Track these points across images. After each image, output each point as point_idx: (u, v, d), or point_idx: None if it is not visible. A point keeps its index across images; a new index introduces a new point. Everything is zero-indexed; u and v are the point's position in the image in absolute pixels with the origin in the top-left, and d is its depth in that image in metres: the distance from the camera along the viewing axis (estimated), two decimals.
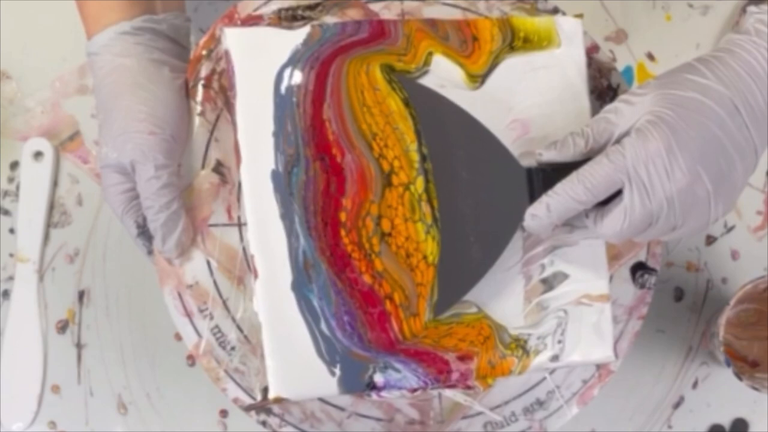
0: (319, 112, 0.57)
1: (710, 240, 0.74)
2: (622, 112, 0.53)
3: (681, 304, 0.73)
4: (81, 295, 0.73)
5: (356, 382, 0.57)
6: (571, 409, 0.62)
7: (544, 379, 0.62)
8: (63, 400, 0.73)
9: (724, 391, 0.72)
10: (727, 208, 0.53)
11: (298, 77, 0.57)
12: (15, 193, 0.74)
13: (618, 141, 0.53)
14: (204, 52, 0.60)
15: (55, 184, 0.74)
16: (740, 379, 0.66)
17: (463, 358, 0.58)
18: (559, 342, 0.59)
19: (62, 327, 0.73)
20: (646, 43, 0.75)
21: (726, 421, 0.73)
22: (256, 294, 0.56)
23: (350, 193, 0.57)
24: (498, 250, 0.57)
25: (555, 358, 0.59)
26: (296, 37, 0.57)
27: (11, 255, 0.73)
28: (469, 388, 0.59)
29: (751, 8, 0.53)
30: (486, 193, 0.56)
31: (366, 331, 0.57)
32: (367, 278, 0.57)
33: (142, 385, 0.73)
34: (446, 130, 0.57)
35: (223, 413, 0.72)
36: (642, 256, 0.63)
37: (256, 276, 0.56)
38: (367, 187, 0.57)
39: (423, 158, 0.57)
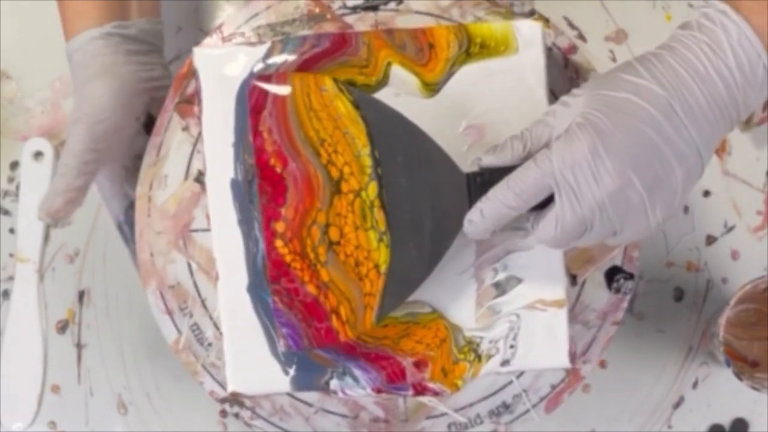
0: (255, 123, 0.57)
1: (710, 240, 0.74)
2: (559, 114, 0.52)
3: (681, 304, 0.73)
4: (81, 295, 0.73)
5: (310, 384, 0.59)
6: (538, 413, 0.62)
7: (511, 382, 0.62)
8: (63, 400, 0.73)
9: (724, 391, 0.72)
10: (667, 212, 0.51)
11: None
12: (15, 193, 0.74)
13: None
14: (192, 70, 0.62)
15: None
16: (740, 379, 0.66)
17: (418, 365, 0.59)
18: (512, 347, 0.59)
19: (62, 327, 0.73)
20: (646, 43, 0.74)
21: (726, 421, 0.73)
22: (218, 294, 0.60)
23: (292, 203, 0.57)
24: (437, 256, 0.57)
25: (506, 362, 0.59)
26: (258, 52, 0.60)
27: (11, 255, 0.74)
28: (437, 394, 0.60)
29: (699, 2, 0.52)
30: (427, 199, 0.56)
31: (313, 345, 0.57)
32: (311, 288, 0.57)
33: (142, 385, 0.73)
34: (388, 135, 0.57)
35: (223, 413, 0.72)
36: (618, 261, 0.63)
37: (217, 278, 0.59)
38: (314, 196, 0.56)
39: (376, 163, 0.56)
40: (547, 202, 0.52)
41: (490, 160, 0.54)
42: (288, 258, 0.57)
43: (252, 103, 0.57)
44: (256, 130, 0.57)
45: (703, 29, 0.50)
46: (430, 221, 0.56)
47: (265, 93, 0.57)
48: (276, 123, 0.57)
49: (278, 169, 0.57)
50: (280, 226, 0.57)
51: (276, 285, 0.57)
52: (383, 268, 0.56)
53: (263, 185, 0.57)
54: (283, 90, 0.57)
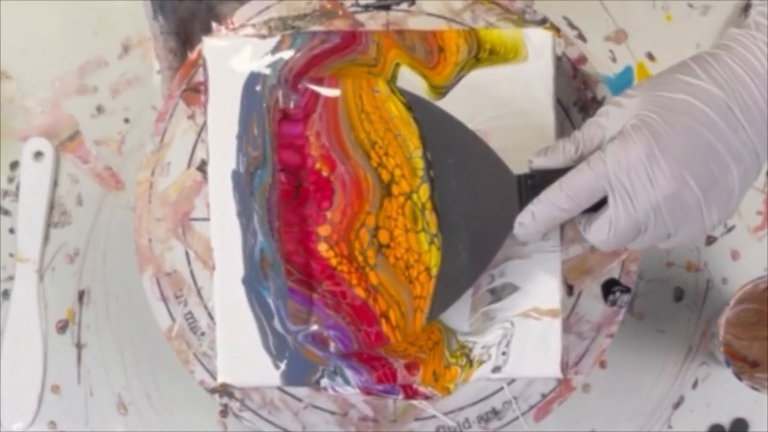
0: (300, 129, 0.57)
1: (710, 240, 0.74)
2: (612, 116, 0.51)
3: (681, 304, 0.73)
4: (81, 295, 0.73)
5: (300, 380, 0.60)
6: (527, 421, 0.62)
7: (502, 388, 0.62)
8: (63, 400, 0.73)
9: (724, 391, 0.72)
10: (724, 214, 0.50)
11: (267, 83, 0.59)
12: (15, 193, 0.74)
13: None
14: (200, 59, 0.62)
15: (55, 184, 0.74)
16: (740, 379, 0.66)
17: (409, 368, 0.59)
18: (504, 353, 0.59)
19: (62, 327, 0.73)
20: (646, 43, 0.74)
21: (726, 421, 0.73)
22: (213, 284, 0.60)
23: (340, 206, 0.57)
24: (487, 259, 0.56)
25: (497, 369, 0.59)
26: (267, 45, 0.60)
27: (11, 255, 0.74)
28: (427, 398, 0.60)
29: (755, 1, 0.52)
30: (477, 201, 0.56)
31: (362, 348, 0.57)
32: (359, 291, 0.57)
33: (142, 385, 0.73)
34: (440, 137, 0.57)
35: (224, 413, 0.72)
36: (615, 273, 0.62)
37: (213, 268, 0.60)
38: (363, 199, 0.57)
39: (428, 165, 0.56)
40: (599, 204, 0.51)
41: (541, 162, 0.53)
42: (333, 261, 0.57)
43: (303, 104, 0.57)
44: (303, 136, 0.57)
45: (760, 28, 0.49)
46: (480, 223, 0.56)
47: (317, 95, 0.57)
48: (326, 126, 0.57)
49: (324, 173, 0.57)
50: (324, 230, 0.57)
51: (319, 288, 0.57)
52: (434, 271, 0.56)
53: (308, 189, 0.57)
54: (334, 92, 0.57)
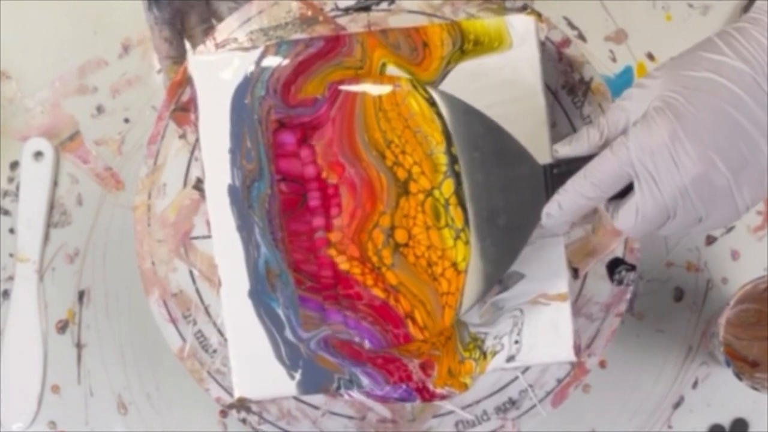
0: (299, 137, 0.58)
1: (710, 240, 0.74)
2: (636, 98, 0.50)
3: (681, 304, 0.73)
4: (81, 295, 0.73)
5: (317, 389, 0.60)
6: (544, 408, 0.62)
7: (517, 378, 0.62)
8: (63, 400, 0.73)
9: (724, 391, 0.72)
10: (757, 195, 0.48)
11: (256, 95, 0.59)
12: (15, 193, 0.74)
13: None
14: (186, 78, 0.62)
15: (55, 184, 0.74)
16: (740, 379, 0.65)
17: (424, 367, 0.59)
18: (516, 342, 0.59)
19: (62, 327, 0.73)
20: (646, 43, 0.75)
21: (726, 421, 0.73)
22: (221, 300, 0.60)
23: (348, 209, 0.56)
24: (516, 251, 0.56)
25: (511, 358, 0.59)
26: (252, 56, 0.60)
27: (11, 255, 0.74)
28: (445, 398, 0.60)
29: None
30: (504, 193, 0.55)
31: (391, 346, 0.57)
32: (377, 292, 0.57)
33: (142, 385, 0.73)
34: (465, 132, 0.56)
35: (224, 413, 0.72)
36: (619, 252, 0.62)
37: (219, 284, 0.60)
38: (376, 199, 0.56)
39: (453, 160, 0.56)
40: (628, 190, 0.50)
41: (566, 151, 0.52)
42: (345, 265, 0.57)
43: (324, 107, 0.57)
44: (301, 143, 0.58)
45: None
46: (508, 216, 0.55)
47: (335, 98, 0.57)
48: (338, 128, 0.57)
49: (331, 180, 0.57)
50: (334, 236, 0.57)
51: (330, 291, 0.57)
52: (462, 266, 0.56)
53: (312, 201, 0.57)
54: (356, 88, 0.56)
